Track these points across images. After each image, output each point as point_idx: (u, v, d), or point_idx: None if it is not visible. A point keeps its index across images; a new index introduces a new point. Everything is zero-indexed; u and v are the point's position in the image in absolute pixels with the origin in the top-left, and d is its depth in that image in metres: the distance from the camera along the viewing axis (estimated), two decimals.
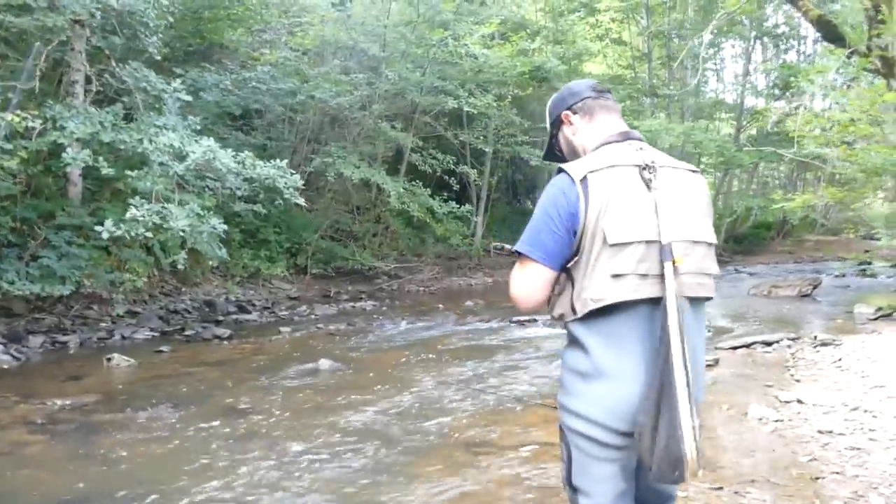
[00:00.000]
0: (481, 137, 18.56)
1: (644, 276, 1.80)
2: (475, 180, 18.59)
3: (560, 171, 1.92)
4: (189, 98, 9.37)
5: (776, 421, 4.92)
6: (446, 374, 7.15)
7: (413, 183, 16.23)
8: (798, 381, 6.28)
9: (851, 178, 11.83)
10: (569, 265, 1.88)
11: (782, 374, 6.65)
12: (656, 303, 1.79)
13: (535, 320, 10.62)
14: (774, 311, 11.74)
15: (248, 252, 13.82)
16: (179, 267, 8.87)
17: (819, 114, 13.59)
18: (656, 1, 24.83)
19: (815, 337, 8.24)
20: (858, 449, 4.20)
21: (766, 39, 29.83)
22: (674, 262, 1.79)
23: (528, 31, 19.75)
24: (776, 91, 28.34)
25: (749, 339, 8.32)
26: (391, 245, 18.00)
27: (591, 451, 1.88)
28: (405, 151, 17.24)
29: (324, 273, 15.52)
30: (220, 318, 11.17)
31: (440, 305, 13.11)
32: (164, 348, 8.60)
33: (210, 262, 10.43)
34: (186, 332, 9.68)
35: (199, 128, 9.37)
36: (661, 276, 1.79)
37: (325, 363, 7.61)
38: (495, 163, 20.87)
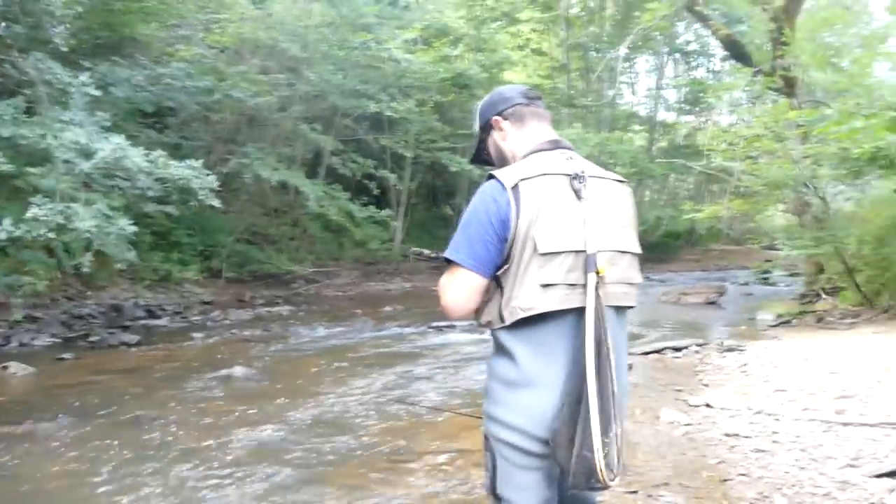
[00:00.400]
0: (402, 142, 18.51)
1: (573, 285, 1.80)
2: (395, 185, 18.52)
3: (491, 177, 1.90)
4: (97, 92, 8.97)
5: (686, 425, 5.06)
6: (365, 383, 7.05)
7: (332, 186, 16.04)
8: (706, 385, 6.50)
9: (755, 191, 12.41)
10: (498, 273, 1.85)
11: (691, 378, 6.87)
12: (583, 312, 1.80)
13: (454, 326, 10.63)
14: (683, 317, 12.15)
15: (159, 254, 13.34)
16: (85, 270, 8.46)
17: (726, 129, 14.19)
18: (575, 14, 25.41)
19: (722, 343, 8.58)
20: (763, 451, 4.37)
21: (677, 56, 31.00)
22: (598, 273, 1.80)
23: (450, 37, 19.86)
24: (686, 106, 29.46)
25: (660, 345, 8.58)
26: (308, 249, 17.75)
27: (516, 460, 1.87)
28: (325, 154, 17.02)
29: (238, 277, 15.14)
30: (128, 323, 10.72)
31: (358, 311, 12.98)
32: (66, 356, 8.18)
33: (117, 265, 9.99)
34: (91, 339, 9.24)
35: (108, 124, 8.98)
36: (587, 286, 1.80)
37: (238, 371, 7.38)
38: (415, 168, 20.87)
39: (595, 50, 26.55)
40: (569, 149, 2.03)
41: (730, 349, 8.11)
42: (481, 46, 20.85)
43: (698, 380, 6.75)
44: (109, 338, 9.29)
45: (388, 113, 16.13)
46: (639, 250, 1.99)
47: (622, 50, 20.53)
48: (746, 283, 16.99)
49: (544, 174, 1.86)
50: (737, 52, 15.74)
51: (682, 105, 30.19)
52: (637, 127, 31.42)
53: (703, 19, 17.05)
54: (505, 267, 1.84)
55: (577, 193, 1.86)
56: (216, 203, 9.60)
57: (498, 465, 1.91)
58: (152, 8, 12.73)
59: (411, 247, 20.33)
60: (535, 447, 1.83)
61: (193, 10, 14.14)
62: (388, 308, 13.43)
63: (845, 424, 4.64)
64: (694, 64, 31.44)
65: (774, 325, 10.42)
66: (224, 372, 7.37)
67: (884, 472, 3.69)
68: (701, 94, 25.96)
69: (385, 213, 16.34)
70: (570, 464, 1.75)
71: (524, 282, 1.80)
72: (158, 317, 11.41)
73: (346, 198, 15.84)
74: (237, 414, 5.87)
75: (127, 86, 11.06)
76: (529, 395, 1.82)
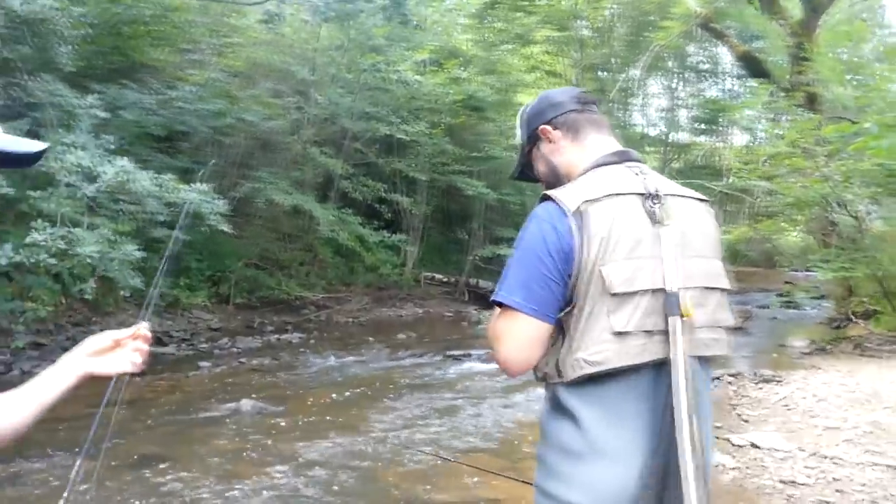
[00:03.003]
0: (413, 165, 18.19)
1: (650, 332, 1.44)
2: (410, 209, 18.18)
3: (546, 198, 1.54)
4: (105, 115, 8.73)
5: (734, 469, 4.65)
6: (379, 419, 6.68)
7: (343, 210, 15.74)
8: (746, 421, 6.08)
9: (778, 211, 12.01)
10: (560, 315, 1.49)
11: (729, 413, 6.44)
12: (661, 366, 1.44)
13: (470, 354, 10.27)
14: None
15: (167, 280, 13.03)
16: (87, 296, 8.14)
17: (747, 148, 13.85)
18: (588, 35, 25.21)
19: (756, 373, 8.11)
20: (827, 502, 3.93)
21: (688, 75, 30.72)
22: (682, 316, 1.44)
23: (460, 59, 19.62)
24: (701, 125, 29.13)
25: None
26: (319, 274, 17.38)
27: None
28: (335, 178, 16.74)
29: (248, 303, 14.79)
30: None
31: (370, 338, 12.61)
32: None
33: (122, 292, 9.68)
34: None
35: (113, 147, 8.73)
36: (668, 332, 1.44)
37: (246, 404, 7.03)
38: (430, 192, 20.52)
39: (607, 70, 26.30)
40: (638, 161, 1.69)
41: (766, 380, 7.66)
42: (491, 69, 20.59)
43: (737, 414, 6.32)
44: None
45: (400, 136, 15.85)
46: (729, 285, 1.62)
47: (638, 71, 20.27)
48: (768, 307, 16.48)
49: (612, 194, 1.51)
50: (755, 68, 15.47)
51: (697, 125, 29.86)
52: (649, 148, 31.07)
53: (719, 36, 16.81)
54: (567, 309, 1.48)
55: (652, 217, 1.50)
56: (226, 227, 9.30)
57: None
58: (162, 32, 12.54)
59: (423, 271, 19.99)
60: None
61: (206, 33, 13.96)
62: (401, 335, 13.05)
63: None
64: (707, 83, 31.15)
65: (808, 353, 9.91)
66: (231, 405, 7.03)
67: None
68: (714, 113, 25.65)
69: (398, 237, 16.02)
70: None
71: (592, 329, 1.44)
72: (165, 344, 11.07)
73: (357, 222, 15.53)
74: (244, 453, 5.52)
75: (136, 109, 10.82)
76: (597, 468, 1.45)
